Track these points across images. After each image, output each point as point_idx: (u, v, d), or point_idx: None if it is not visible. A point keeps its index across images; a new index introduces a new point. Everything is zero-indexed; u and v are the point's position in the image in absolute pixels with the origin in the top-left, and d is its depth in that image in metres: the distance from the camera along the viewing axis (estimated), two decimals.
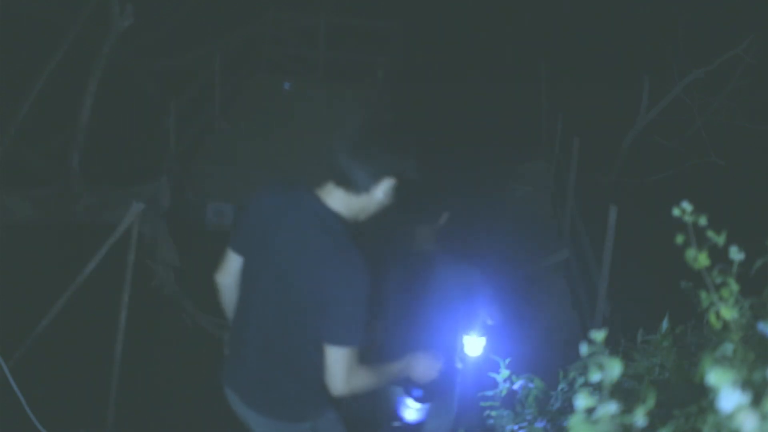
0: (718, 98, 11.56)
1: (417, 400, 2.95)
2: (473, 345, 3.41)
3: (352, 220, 2.48)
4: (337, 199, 2.45)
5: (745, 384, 1.21)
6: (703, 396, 1.34)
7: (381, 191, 2.44)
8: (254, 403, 2.69)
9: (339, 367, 2.44)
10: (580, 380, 2.33)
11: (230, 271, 2.77)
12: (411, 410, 2.96)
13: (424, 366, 2.79)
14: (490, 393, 2.70)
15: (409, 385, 2.99)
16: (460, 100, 13.57)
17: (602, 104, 12.43)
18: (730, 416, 1.14)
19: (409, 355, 2.78)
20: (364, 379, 2.54)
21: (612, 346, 2.60)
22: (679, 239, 1.55)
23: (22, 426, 4.67)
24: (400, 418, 3.00)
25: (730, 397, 1.13)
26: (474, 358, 3.38)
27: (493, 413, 2.61)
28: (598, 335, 1.46)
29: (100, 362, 5.95)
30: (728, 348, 1.51)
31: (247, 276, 2.67)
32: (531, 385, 2.60)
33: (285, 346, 2.57)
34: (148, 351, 6.84)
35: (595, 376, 1.27)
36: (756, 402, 1.14)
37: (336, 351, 2.43)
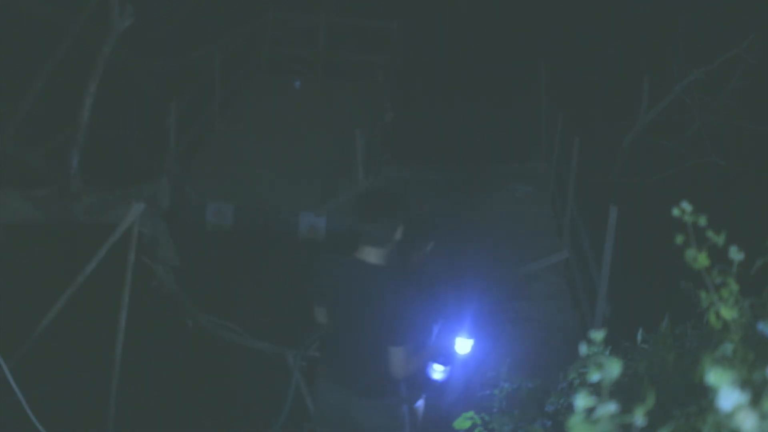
0: (718, 98, 11.55)
1: (441, 364, 4.00)
2: (462, 345, 4.14)
3: (386, 263, 3.61)
4: (372, 256, 3.61)
5: (745, 384, 1.21)
6: (703, 396, 1.34)
7: (398, 235, 3.59)
8: (358, 389, 3.83)
9: (399, 360, 3.62)
10: (580, 380, 2.34)
11: (320, 314, 3.87)
12: (437, 372, 4.00)
13: (444, 340, 3.97)
14: (490, 393, 2.70)
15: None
16: (459, 99, 13.56)
17: (602, 104, 12.43)
18: (730, 416, 1.14)
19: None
20: (414, 363, 3.73)
21: (612, 346, 2.60)
22: (679, 239, 1.55)
23: (22, 426, 4.68)
24: (430, 380, 4.02)
25: (729, 397, 1.13)
26: (462, 356, 4.12)
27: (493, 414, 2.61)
28: (598, 335, 1.46)
29: (100, 362, 5.95)
30: (728, 348, 1.51)
31: (333, 317, 3.82)
32: (530, 385, 2.61)
33: (373, 357, 3.70)
34: (148, 351, 6.83)
35: (594, 376, 1.27)
36: (755, 401, 1.14)
37: (397, 350, 3.61)
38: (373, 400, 3.85)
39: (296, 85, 12.59)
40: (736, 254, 1.59)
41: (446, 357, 4.01)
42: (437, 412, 4.22)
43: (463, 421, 2.90)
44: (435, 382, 4.07)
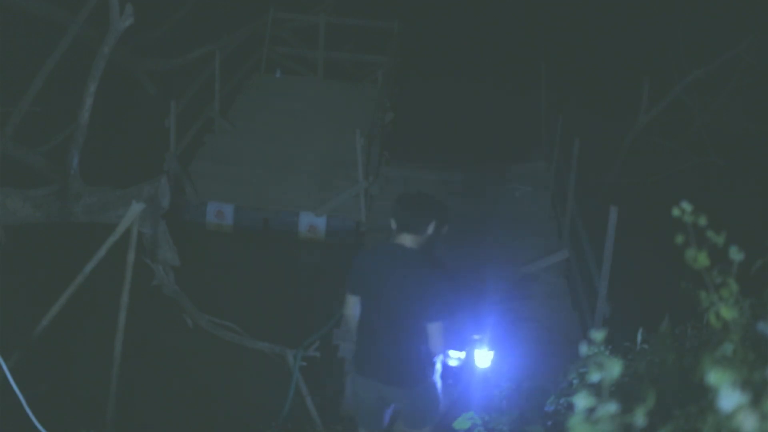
0: (718, 98, 11.56)
1: (456, 350, 4.26)
2: (483, 357, 4.33)
3: (420, 249, 4.11)
4: (409, 241, 4.12)
5: (745, 384, 1.21)
6: (703, 396, 1.34)
7: (431, 229, 4.12)
8: (391, 380, 4.18)
9: (438, 334, 4.01)
10: (580, 380, 2.34)
11: (354, 306, 4.24)
12: (453, 359, 4.28)
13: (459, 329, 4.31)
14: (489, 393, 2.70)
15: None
16: (460, 100, 13.56)
17: (602, 104, 12.43)
18: (730, 416, 1.14)
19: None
20: (448, 341, 4.10)
21: (612, 346, 2.60)
22: (679, 239, 1.55)
23: (22, 426, 4.67)
24: (447, 367, 4.26)
25: (729, 397, 1.13)
26: (483, 369, 4.27)
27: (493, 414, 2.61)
28: (598, 335, 1.46)
29: (100, 362, 5.95)
30: (728, 348, 1.51)
31: (369, 303, 4.17)
32: (530, 384, 2.60)
33: (405, 340, 4.09)
34: (148, 351, 6.83)
35: (594, 376, 1.27)
36: (755, 402, 1.14)
37: (435, 325, 4.00)
38: (408, 388, 4.18)
39: (277, 75, 12.83)
40: (736, 254, 1.59)
41: (462, 344, 4.27)
42: (450, 398, 4.41)
43: (463, 421, 2.90)
44: (451, 368, 4.31)
